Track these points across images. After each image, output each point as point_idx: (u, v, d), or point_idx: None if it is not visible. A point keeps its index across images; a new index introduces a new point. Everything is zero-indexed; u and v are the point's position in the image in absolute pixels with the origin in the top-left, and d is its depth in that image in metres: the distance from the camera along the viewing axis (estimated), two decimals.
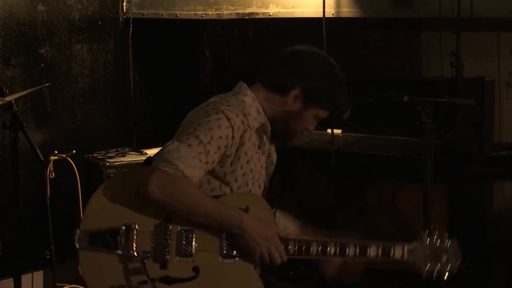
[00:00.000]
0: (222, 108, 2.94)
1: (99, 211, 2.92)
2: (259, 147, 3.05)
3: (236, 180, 2.97)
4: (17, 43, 5.16)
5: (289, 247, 2.94)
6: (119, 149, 5.26)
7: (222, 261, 2.90)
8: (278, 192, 3.30)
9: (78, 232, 2.90)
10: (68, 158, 4.94)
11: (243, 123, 2.96)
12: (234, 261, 2.92)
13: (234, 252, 2.91)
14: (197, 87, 5.94)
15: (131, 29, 5.61)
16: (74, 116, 5.51)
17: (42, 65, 5.29)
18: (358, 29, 5.33)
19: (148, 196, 2.80)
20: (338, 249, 2.96)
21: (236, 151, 2.95)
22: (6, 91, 4.30)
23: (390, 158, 4.76)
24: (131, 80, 5.56)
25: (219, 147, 2.90)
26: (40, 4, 5.25)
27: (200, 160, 2.86)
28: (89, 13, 5.51)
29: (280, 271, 3.11)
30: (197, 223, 2.87)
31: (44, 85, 5.03)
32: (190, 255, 2.88)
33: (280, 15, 5.18)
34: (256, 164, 3.03)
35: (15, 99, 4.29)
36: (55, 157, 4.92)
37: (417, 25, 5.20)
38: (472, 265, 3.09)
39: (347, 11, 4.92)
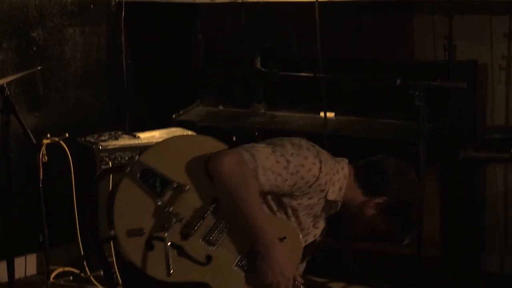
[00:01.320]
0: (322, 158, 2.99)
1: (165, 155, 2.92)
2: (315, 216, 3.07)
3: (285, 214, 3.01)
4: (9, 26, 5.14)
5: None
6: (112, 132, 5.25)
7: (234, 267, 2.92)
8: None
9: (137, 158, 2.88)
10: (61, 142, 4.94)
11: (325, 183, 2.99)
12: (243, 274, 2.93)
13: (249, 267, 2.92)
14: (189, 71, 5.93)
15: (123, 12, 5.59)
16: (66, 99, 5.50)
17: (34, 48, 5.28)
18: (350, 13, 5.32)
19: (216, 167, 2.83)
20: None
21: (302, 198, 2.98)
22: None
23: (383, 141, 4.77)
24: (124, 64, 5.55)
25: (295, 184, 2.94)
26: None
27: (275, 180, 2.90)
28: None
29: None
30: (235, 220, 2.88)
31: (36, 68, 5.02)
32: (213, 244, 2.89)
33: None
34: (305, 222, 3.05)
35: (7, 83, 4.29)
36: (47, 141, 4.92)
37: (410, 9, 5.20)
38: None
39: None
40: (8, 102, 4.13)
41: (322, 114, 4.91)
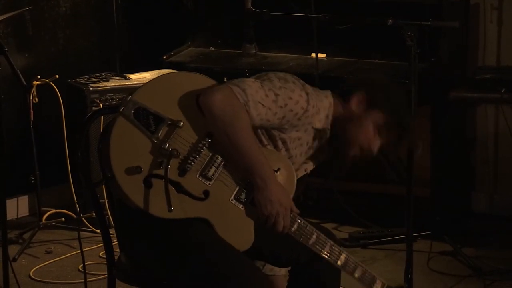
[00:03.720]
0: (308, 91, 3.02)
1: (158, 93, 2.91)
2: (308, 147, 3.09)
3: (275, 147, 3.03)
4: None
5: (295, 223, 2.97)
6: (102, 74, 5.23)
7: (231, 200, 2.93)
8: None
9: (129, 98, 2.88)
10: (51, 83, 4.92)
11: (313, 116, 3.03)
12: (241, 207, 2.94)
13: (247, 199, 2.93)
14: (180, 12, 5.88)
15: None
16: (56, 40, 5.46)
17: None
18: None
19: (207, 103, 2.84)
20: (330, 253, 3.02)
21: (290, 131, 3.01)
22: None
23: None
24: (114, 4, 5.50)
25: (284, 117, 2.96)
26: None
27: (266, 114, 2.92)
28: None
29: None
30: (230, 154, 2.89)
31: (25, 8, 4.98)
32: (210, 179, 2.90)
33: None
34: (295, 156, 3.07)
35: None
36: (38, 82, 4.90)
37: None
38: None
39: None
40: None
41: (313, 55, 4.90)
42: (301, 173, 3.15)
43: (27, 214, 5.37)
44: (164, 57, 5.40)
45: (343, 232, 4.92)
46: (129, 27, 5.79)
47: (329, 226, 4.94)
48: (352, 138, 3.10)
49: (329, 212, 5.12)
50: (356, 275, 3.08)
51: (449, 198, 4.96)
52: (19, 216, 5.33)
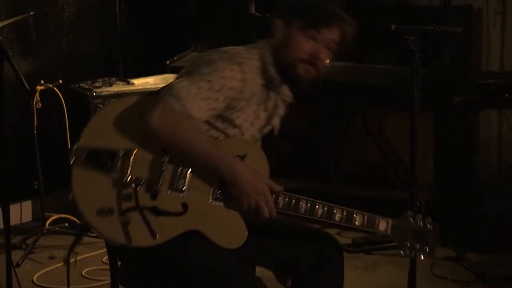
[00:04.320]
0: (239, 60, 2.96)
1: (101, 130, 2.89)
2: (266, 103, 3.06)
3: (233, 127, 2.99)
4: None
5: (279, 200, 2.94)
6: (105, 78, 5.23)
7: (211, 202, 2.91)
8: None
9: (75, 146, 2.88)
10: (55, 88, 4.92)
11: (254, 80, 2.98)
12: (222, 204, 2.92)
13: (224, 195, 2.91)
14: (183, 16, 5.90)
15: None
16: (59, 45, 5.48)
17: None
18: None
19: (147, 126, 2.81)
20: (325, 211, 2.97)
21: (239, 105, 2.96)
22: None
23: (378, 86, 4.77)
24: (117, 8, 5.51)
25: (227, 97, 2.91)
26: None
27: (207, 104, 2.88)
28: None
29: None
30: (191, 162, 2.88)
31: (29, 13, 4.98)
32: (182, 191, 2.88)
33: None
34: (259, 117, 3.05)
35: (0, 28, 4.26)
36: (41, 87, 4.91)
37: None
38: None
39: None
40: (1, 47, 4.10)
41: None
42: (267, 129, 3.10)
43: (31, 219, 5.38)
44: (168, 62, 5.41)
45: (346, 238, 4.92)
46: (132, 32, 5.80)
47: (331, 231, 4.92)
48: (290, 57, 3.03)
49: None
50: (357, 223, 3.03)
51: (452, 202, 4.95)
52: (22, 221, 5.34)
